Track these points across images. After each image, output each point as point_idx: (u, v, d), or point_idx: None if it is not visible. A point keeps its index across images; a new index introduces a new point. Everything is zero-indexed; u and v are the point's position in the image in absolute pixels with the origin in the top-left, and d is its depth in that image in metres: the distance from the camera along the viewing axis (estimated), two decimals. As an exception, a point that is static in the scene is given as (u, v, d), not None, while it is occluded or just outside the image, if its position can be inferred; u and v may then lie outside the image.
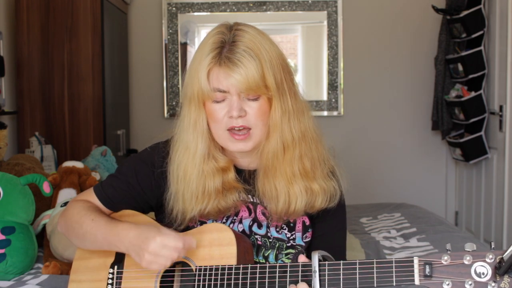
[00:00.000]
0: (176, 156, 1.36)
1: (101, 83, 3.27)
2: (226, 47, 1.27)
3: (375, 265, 1.14)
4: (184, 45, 4.25)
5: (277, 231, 1.40)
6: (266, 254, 1.40)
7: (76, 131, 3.24)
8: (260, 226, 1.39)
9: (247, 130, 1.30)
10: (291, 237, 1.40)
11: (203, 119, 1.32)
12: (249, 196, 1.39)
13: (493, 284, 1.06)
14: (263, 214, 1.39)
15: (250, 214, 1.39)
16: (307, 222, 1.41)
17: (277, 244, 1.39)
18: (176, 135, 1.38)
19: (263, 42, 1.29)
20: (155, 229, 1.24)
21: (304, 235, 1.41)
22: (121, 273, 1.36)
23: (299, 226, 1.41)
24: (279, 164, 1.33)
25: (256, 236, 1.39)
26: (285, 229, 1.40)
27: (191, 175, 1.33)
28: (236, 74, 1.25)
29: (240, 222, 1.39)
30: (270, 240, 1.39)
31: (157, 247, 1.21)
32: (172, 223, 1.37)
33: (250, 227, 1.39)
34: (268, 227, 1.39)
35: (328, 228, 1.42)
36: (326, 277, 1.17)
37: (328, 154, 1.41)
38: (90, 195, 1.44)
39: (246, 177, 1.39)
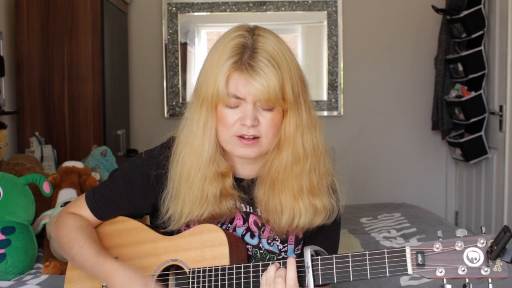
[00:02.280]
0: (180, 157, 1.33)
1: (101, 83, 3.27)
2: (247, 52, 1.24)
3: (367, 257, 1.14)
4: (184, 45, 4.25)
5: (269, 243, 1.38)
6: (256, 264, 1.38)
7: (76, 131, 3.24)
8: (252, 236, 1.38)
9: (256, 138, 1.27)
10: (283, 249, 1.39)
11: (213, 122, 1.28)
12: (242, 205, 1.36)
13: (486, 269, 1.06)
14: (255, 224, 1.37)
15: (244, 222, 1.38)
16: (300, 235, 1.40)
17: (268, 256, 1.38)
18: (181, 135, 1.34)
19: (285, 53, 1.26)
20: (141, 281, 1.23)
21: (296, 248, 1.40)
22: None
23: (291, 239, 1.39)
24: (287, 178, 1.30)
25: (247, 246, 1.38)
26: (277, 240, 1.38)
27: (194, 178, 1.30)
28: (257, 83, 1.21)
29: (234, 230, 1.38)
30: (261, 251, 1.38)
31: None
32: (164, 224, 1.35)
33: (243, 236, 1.38)
34: (260, 237, 1.38)
35: (319, 243, 1.38)
36: (320, 272, 1.17)
37: (331, 167, 1.38)
38: (82, 206, 1.42)
39: (244, 185, 1.37)
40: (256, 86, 1.21)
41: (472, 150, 3.84)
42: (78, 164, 2.48)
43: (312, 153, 1.31)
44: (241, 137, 1.26)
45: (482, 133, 3.79)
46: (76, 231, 1.36)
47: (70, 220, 1.39)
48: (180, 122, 1.37)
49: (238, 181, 1.37)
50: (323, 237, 1.39)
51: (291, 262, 1.19)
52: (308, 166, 1.31)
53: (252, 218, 1.38)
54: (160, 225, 1.37)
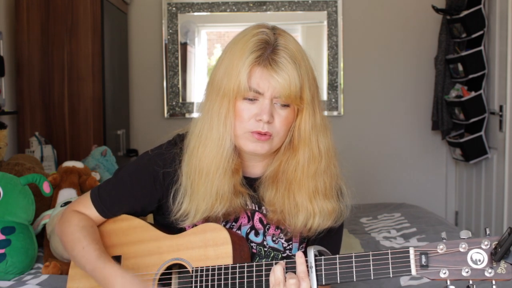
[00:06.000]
0: (195, 151, 1.31)
1: (101, 83, 3.27)
2: (269, 48, 1.25)
3: (371, 258, 1.14)
4: (184, 45, 4.25)
5: (274, 241, 1.39)
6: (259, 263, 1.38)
7: (76, 131, 3.24)
8: (257, 234, 1.38)
9: (269, 135, 1.28)
10: (288, 247, 1.39)
11: (233, 117, 1.28)
12: (248, 202, 1.36)
13: (490, 271, 1.06)
14: (261, 222, 1.38)
15: (248, 221, 1.38)
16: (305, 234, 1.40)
17: (272, 254, 1.38)
18: (195, 129, 1.33)
19: (303, 54, 1.29)
20: (140, 285, 1.23)
21: (301, 246, 1.41)
22: None
23: (296, 236, 1.40)
24: (304, 178, 1.31)
25: (251, 244, 1.38)
26: (282, 238, 1.39)
27: (214, 173, 1.29)
28: (280, 77, 1.23)
29: (239, 228, 1.38)
30: (266, 249, 1.38)
31: None
32: (177, 221, 1.34)
33: (247, 234, 1.38)
34: (264, 235, 1.38)
35: (323, 243, 1.39)
36: (323, 272, 1.17)
37: (339, 170, 1.39)
38: (87, 204, 1.42)
39: (251, 183, 1.37)
40: (279, 80, 1.23)
41: (472, 150, 3.84)
42: (78, 164, 2.48)
43: (326, 154, 1.33)
44: (254, 132, 1.27)
45: (482, 133, 3.79)
46: (79, 231, 1.35)
47: (75, 219, 1.39)
48: (192, 119, 1.36)
49: (245, 179, 1.37)
50: (328, 238, 1.40)
51: (300, 256, 1.19)
52: (323, 167, 1.32)
53: (257, 216, 1.38)
54: (172, 222, 1.36)
